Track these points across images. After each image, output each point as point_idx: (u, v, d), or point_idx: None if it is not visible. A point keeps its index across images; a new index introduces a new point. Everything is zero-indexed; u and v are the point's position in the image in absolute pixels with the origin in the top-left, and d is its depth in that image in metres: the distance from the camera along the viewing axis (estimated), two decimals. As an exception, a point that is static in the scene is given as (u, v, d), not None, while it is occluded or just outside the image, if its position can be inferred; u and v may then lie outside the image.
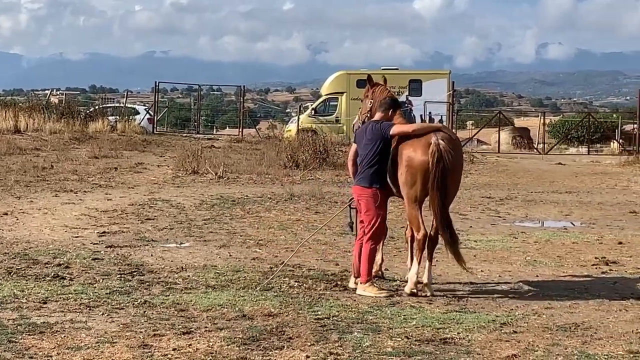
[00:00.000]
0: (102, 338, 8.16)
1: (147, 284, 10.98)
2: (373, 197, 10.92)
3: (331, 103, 47.74)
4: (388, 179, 11.04)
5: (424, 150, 10.67)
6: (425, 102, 45.32)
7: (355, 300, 10.30)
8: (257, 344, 8.07)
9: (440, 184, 10.63)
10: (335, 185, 25.46)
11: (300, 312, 9.55)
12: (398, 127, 11.05)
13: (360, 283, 10.85)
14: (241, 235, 15.43)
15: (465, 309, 10.02)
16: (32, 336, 8.17)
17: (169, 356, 7.63)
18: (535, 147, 51.70)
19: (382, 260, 11.86)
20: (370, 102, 12.08)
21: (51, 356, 7.55)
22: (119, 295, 10.23)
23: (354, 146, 11.42)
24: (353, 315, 9.46)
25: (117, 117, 41.93)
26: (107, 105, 48.88)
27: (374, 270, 11.25)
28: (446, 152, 10.61)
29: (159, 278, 11.37)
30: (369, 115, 12.05)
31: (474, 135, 56.03)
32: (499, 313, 9.81)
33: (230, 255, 13.35)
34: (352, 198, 11.58)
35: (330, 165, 30.31)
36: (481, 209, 20.97)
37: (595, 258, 13.95)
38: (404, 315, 9.52)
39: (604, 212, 21.00)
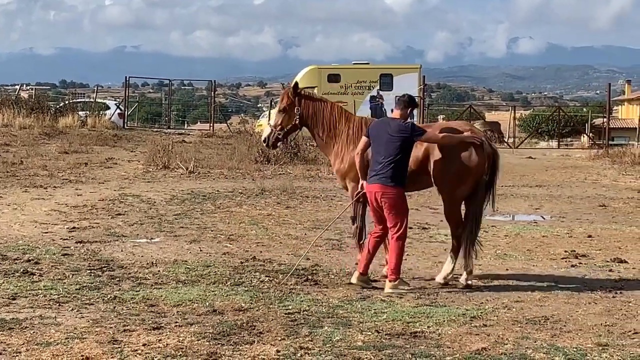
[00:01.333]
0: (72, 334, 8.13)
1: (117, 279, 10.94)
2: (400, 196, 10.89)
3: (302, 98, 47.70)
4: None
5: (481, 153, 11.10)
6: (396, 96, 45.30)
7: (325, 295, 10.31)
8: (228, 339, 8.06)
9: (489, 186, 11.36)
10: (307, 180, 25.48)
11: (271, 306, 9.55)
12: (431, 135, 11.11)
13: (390, 281, 10.80)
14: (212, 230, 15.40)
15: (435, 303, 10.06)
16: (1, 332, 8.12)
17: (139, 351, 7.60)
18: (506, 141, 51.92)
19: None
20: (297, 109, 11.96)
21: (20, 352, 7.51)
22: (89, 290, 10.19)
23: (364, 139, 11.17)
24: (323, 310, 9.47)
25: (88, 112, 41.61)
26: (78, 100, 48.49)
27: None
28: (497, 156, 11.37)
29: (129, 273, 11.34)
30: (297, 124, 12.04)
31: (445, 130, 56.10)
32: (469, 307, 9.84)
33: (200, 251, 13.32)
34: (361, 192, 11.39)
35: (302, 160, 30.31)
36: (452, 203, 20.99)
37: (565, 251, 14.02)
38: (375, 309, 9.54)
39: (574, 206, 21.12)
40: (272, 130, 12.18)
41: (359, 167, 11.20)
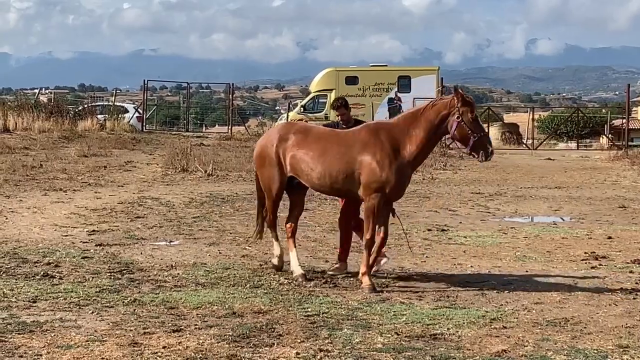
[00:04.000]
0: (92, 337, 8.14)
1: (137, 282, 10.96)
2: None
3: (320, 100, 47.80)
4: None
5: None
6: (414, 98, 45.26)
7: (344, 297, 10.30)
8: (247, 341, 8.06)
9: None
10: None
11: (290, 309, 9.54)
12: None
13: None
14: (231, 233, 15.41)
15: (455, 305, 10.03)
16: (21, 335, 8.15)
17: (159, 354, 7.61)
18: (525, 142, 51.81)
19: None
20: None
21: (41, 355, 7.53)
22: (109, 293, 10.21)
23: None
24: (343, 312, 9.46)
25: (106, 115, 41.80)
26: (96, 103, 48.72)
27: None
28: None
29: (149, 276, 11.35)
30: None
31: (464, 131, 56.00)
32: (489, 308, 9.81)
33: (219, 253, 13.34)
34: None
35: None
36: (471, 204, 20.99)
37: (585, 253, 13.97)
38: (394, 312, 9.52)
39: (594, 207, 21.04)
40: None
41: None
